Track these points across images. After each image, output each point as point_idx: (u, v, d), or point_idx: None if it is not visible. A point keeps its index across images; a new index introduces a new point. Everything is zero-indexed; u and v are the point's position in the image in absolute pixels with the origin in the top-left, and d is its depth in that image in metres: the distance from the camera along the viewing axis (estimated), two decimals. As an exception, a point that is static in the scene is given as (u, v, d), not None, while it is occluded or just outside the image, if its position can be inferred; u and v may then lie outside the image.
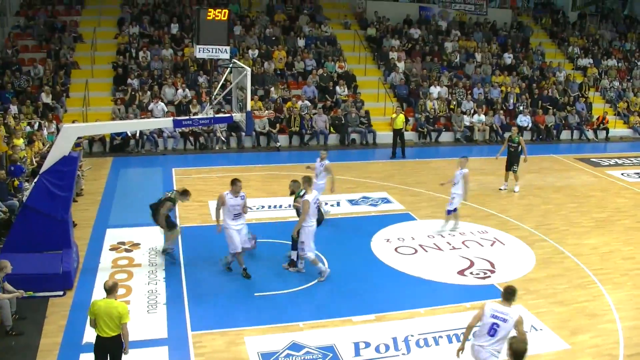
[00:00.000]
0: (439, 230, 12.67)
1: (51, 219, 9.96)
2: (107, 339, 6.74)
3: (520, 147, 15.82)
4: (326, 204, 13.30)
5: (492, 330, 6.64)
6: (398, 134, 19.71)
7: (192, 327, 8.68)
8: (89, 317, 6.91)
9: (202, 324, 8.77)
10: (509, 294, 6.85)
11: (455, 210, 12.61)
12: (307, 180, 10.27)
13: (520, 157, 15.95)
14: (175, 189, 12.12)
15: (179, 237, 11.28)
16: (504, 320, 6.62)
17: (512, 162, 15.96)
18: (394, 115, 19.76)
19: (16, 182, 12.26)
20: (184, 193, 10.75)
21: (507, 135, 22.35)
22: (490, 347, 6.67)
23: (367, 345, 8.38)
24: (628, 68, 28.25)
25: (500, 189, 16.20)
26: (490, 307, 6.77)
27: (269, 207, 13.86)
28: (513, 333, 6.60)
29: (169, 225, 10.76)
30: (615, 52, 29.21)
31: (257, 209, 13.68)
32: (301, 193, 10.38)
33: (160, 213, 10.47)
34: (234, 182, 9.97)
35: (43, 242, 9.97)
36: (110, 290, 6.86)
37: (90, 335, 8.18)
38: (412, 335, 8.65)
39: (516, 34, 28.61)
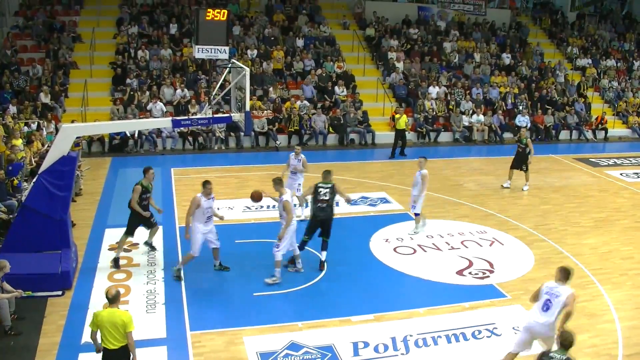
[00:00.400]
0: (414, 232, 12.58)
1: (50, 218, 9.96)
2: (113, 352, 6.58)
3: (528, 148, 15.94)
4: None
5: (546, 306, 7.23)
6: (401, 134, 19.79)
7: (191, 327, 8.68)
8: (90, 329, 6.73)
9: (201, 324, 8.77)
10: (565, 274, 7.36)
11: (418, 213, 12.56)
12: (278, 182, 10.12)
13: (528, 157, 16.05)
14: None
15: (178, 238, 11.28)
16: (556, 296, 7.20)
17: (520, 162, 16.11)
18: (397, 116, 19.85)
19: (15, 182, 12.24)
20: (145, 171, 10.67)
21: (505, 135, 22.67)
22: (545, 321, 7.19)
23: (366, 345, 8.39)
24: (627, 68, 28.28)
25: (502, 186, 16.32)
26: (545, 285, 7.39)
27: (267, 207, 13.84)
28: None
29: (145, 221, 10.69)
30: (614, 52, 29.23)
31: (256, 209, 13.68)
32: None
33: (132, 199, 10.41)
34: (206, 183, 9.88)
35: (42, 242, 9.97)
36: (113, 299, 6.71)
37: (89, 335, 8.18)
38: (411, 335, 8.65)
39: (515, 34, 28.62)
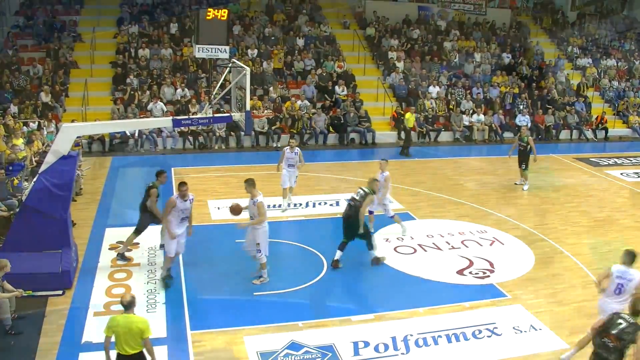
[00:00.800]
0: (403, 233, 12.50)
1: (50, 218, 9.94)
2: (128, 358, 6.52)
3: (529, 146, 15.95)
4: (285, 205, 13.83)
5: (618, 290, 7.91)
6: (408, 133, 20.02)
7: (191, 327, 8.69)
8: (105, 335, 6.63)
9: (201, 323, 8.78)
10: (632, 257, 7.94)
11: (393, 215, 12.52)
12: (252, 184, 9.90)
13: (530, 156, 16.05)
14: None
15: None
16: (629, 280, 7.87)
17: (521, 161, 16.19)
18: (408, 115, 20.06)
19: (15, 181, 12.24)
20: (158, 174, 10.72)
21: (506, 135, 22.67)
22: (617, 303, 7.81)
23: (366, 344, 8.39)
24: (628, 68, 28.26)
25: (516, 184, 16.51)
26: (616, 269, 7.99)
27: (267, 206, 13.80)
28: None
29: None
30: (614, 52, 29.22)
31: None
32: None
33: (151, 202, 10.46)
34: (181, 185, 9.78)
35: (42, 242, 9.94)
36: (129, 305, 6.63)
37: (89, 335, 8.21)
38: (411, 335, 8.66)
39: (515, 34, 28.61)
